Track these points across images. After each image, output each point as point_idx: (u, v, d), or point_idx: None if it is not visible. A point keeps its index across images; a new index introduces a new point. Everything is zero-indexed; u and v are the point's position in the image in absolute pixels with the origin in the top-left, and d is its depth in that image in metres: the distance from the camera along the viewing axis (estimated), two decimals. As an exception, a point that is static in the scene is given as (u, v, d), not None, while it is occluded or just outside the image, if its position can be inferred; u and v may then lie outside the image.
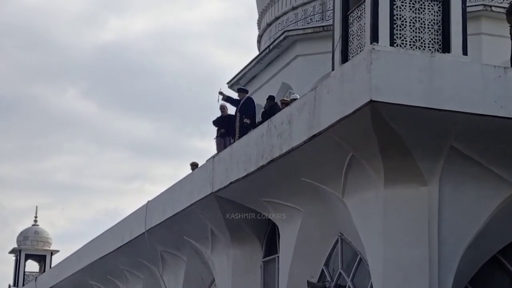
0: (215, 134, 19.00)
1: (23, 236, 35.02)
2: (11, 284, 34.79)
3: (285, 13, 24.40)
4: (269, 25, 25.89)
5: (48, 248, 35.49)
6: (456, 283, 11.79)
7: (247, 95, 19.02)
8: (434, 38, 11.15)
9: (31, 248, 35.03)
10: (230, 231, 15.09)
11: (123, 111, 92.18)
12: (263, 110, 17.78)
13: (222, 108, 19.11)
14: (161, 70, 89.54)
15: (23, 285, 34.75)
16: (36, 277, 32.94)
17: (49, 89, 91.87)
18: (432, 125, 10.49)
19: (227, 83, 26.59)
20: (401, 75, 10.16)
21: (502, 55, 14.78)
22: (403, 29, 10.98)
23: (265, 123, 14.38)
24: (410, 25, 11.05)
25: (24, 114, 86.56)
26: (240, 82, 25.92)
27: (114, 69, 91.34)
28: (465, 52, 11.35)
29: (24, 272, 34.81)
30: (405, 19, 11.00)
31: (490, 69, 11.14)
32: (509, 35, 13.28)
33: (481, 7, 18.68)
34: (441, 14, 11.29)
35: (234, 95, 20.50)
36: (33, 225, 36.02)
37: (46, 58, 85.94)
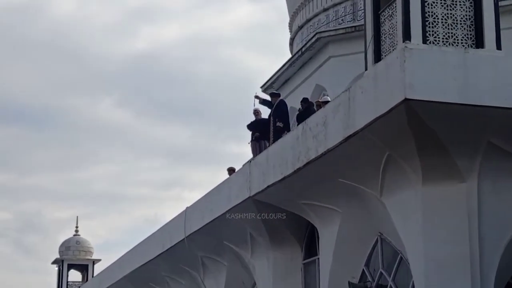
0: (250, 138, 19.08)
1: (65, 246, 35.81)
2: None
3: (316, 15, 24.54)
4: (300, 27, 26.14)
5: (90, 258, 36.18)
6: (499, 279, 11.76)
7: (280, 98, 19.10)
8: (467, 34, 11.28)
9: (73, 258, 35.81)
10: (269, 234, 15.30)
11: (158, 118, 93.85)
12: (298, 112, 17.89)
13: (256, 113, 19.33)
14: (194, 77, 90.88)
15: None
16: (79, 287, 34.25)
17: (84, 99, 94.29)
18: (468, 122, 10.57)
19: (261, 87, 26.78)
20: (435, 72, 10.35)
21: (537, 49, 15.28)
22: (435, 26, 11.14)
23: (300, 125, 14.59)
24: (442, 22, 11.23)
25: (61, 126, 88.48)
26: (274, 85, 26.18)
27: (147, 77, 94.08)
28: (499, 47, 11.44)
29: (67, 282, 35.69)
30: (437, 16, 11.21)
31: None
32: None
33: None
34: (473, 10, 11.42)
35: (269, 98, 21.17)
36: (74, 235, 36.69)
37: (80, 69, 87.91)
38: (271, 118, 17.57)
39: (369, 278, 14.17)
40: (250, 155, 18.47)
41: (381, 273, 13.68)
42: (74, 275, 37.07)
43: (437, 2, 11.39)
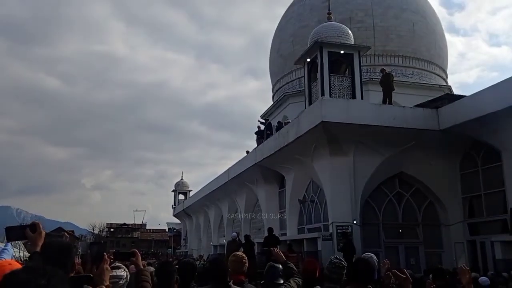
0: (255, 137, 23.05)
1: (176, 184, 49.16)
2: (172, 204, 48.72)
3: (284, 85, 28.63)
4: (277, 90, 29.76)
5: (188, 189, 48.56)
6: (362, 199, 15.22)
7: (268, 121, 23.23)
8: (348, 92, 15.44)
9: (181, 189, 48.86)
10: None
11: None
12: (276, 126, 20.55)
13: (258, 127, 22.61)
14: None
15: (177, 204, 46.81)
16: (183, 202, 44.28)
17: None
18: (350, 130, 14.26)
19: (260, 116, 30.49)
20: (334, 109, 14.28)
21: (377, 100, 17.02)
22: (335, 89, 15.31)
23: (277, 132, 18.31)
24: (338, 87, 15.42)
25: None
26: (266, 115, 29.90)
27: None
28: (362, 98, 15.45)
29: (178, 199, 48.16)
30: (335, 85, 15.40)
31: (373, 105, 15.27)
32: (381, 90, 16.93)
33: (368, 78, 22.06)
34: (351, 82, 15.52)
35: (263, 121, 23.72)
36: (180, 179, 50.28)
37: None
38: (265, 130, 21.45)
39: (306, 198, 17.79)
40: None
41: (312, 195, 17.33)
42: (181, 197, 48.41)
43: (335, 79, 15.36)
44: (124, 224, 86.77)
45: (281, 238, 16.33)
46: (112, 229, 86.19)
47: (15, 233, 2.72)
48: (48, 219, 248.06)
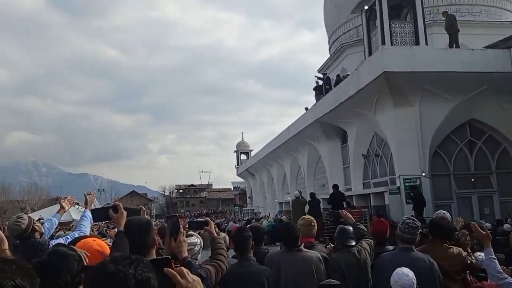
0: (314, 93, 21.96)
1: (238, 145, 50.61)
2: (235, 164, 50.53)
3: (341, 35, 28.10)
4: (333, 41, 29.69)
5: (248, 148, 49.68)
6: (431, 150, 14.88)
7: (326, 75, 22.34)
8: (411, 39, 14.48)
9: (242, 149, 50.09)
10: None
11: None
12: (335, 80, 19.87)
13: (316, 82, 21.97)
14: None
15: (240, 164, 48.64)
16: (245, 161, 46.15)
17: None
18: (414, 78, 13.62)
19: (317, 70, 30.24)
20: (397, 57, 13.77)
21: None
22: (396, 36, 14.47)
23: (336, 87, 17.76)
24: (400, 35, 14.53)
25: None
26: (323, 69, 29.56)
27: None
28: (426, 44, 14.46)
29: (240, 159, 49.62)
30: (396, 32, 14.53)
31: (439, 50, 14.55)
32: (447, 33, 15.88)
33: (431, 21, 20.65)
34: (413, 27, 14.55)
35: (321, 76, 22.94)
36: (241, 139, 51.09)
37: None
38: (323, 84, 20.88)
39: (371, 152, 17.63)
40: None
41: (376, 149, 17.09)
42: (243, 157, 49.64)
43: (396, 26, 14.49)
44: (192, 185, 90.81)
45: (346, 194, 16.17)
46: (181, 190, 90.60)
47: (99, 215, 2.90)
48: (122, 183, 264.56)
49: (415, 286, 3.13)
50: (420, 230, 4.04)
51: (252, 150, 48.16)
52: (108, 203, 54.90)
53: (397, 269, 3.23)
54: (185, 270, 1.63)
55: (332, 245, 4.73)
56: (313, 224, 4.35)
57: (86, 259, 2.41)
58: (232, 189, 78.21)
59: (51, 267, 1.93)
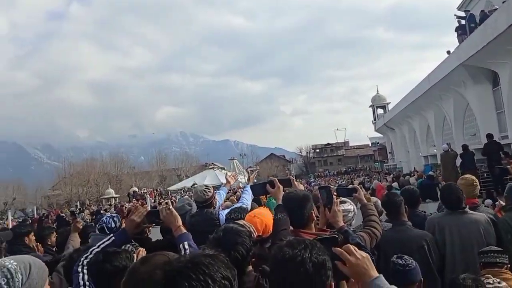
0: (456, 35, 19.87)
1: (373, 99, 48.09)
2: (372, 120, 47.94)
3: None
4: None
5: (385, 102, 47.15)
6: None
7: (469, 12, 19.87)
8: None
9: (378, 103, 47.70)
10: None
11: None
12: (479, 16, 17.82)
13: (458, 22, 20.10)
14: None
15: (377, 119, 46.39)
16: (383, 116, 44.22)
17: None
18: None
19: (457, 8, 27.18)
20: None
21: None
22: None
23: (482, 24, 16.07)
24: None
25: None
26: (464, 6, 26.17)
27: None
28: None
29: (377, 114, 47.27)
30: None
31: None
32: None
33: None
34: None
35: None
36: (376, 93, 48.82)
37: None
38: (466, 23, 19.01)
39: None
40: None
41: None
42: (380, 111, 47.25)
43: None
44: (328, 144, 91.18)
45: (502, 143, 14.74)
46: (317, 150, 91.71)
47: (257, 189, 3.14)
48: (260, 147, 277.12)
49: None
50: None
51: (389, 103, 45.90)
52: (250, 166, 57.97)
53: None
54: (352, 247, 1.73)
55: (502, 203, 4.41)
56: (475, 183, 4.18)
57: (254, 233, 2.74)
58: (370, 145, 76.33)
59: (227, 243, 2.21)
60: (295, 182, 3.20)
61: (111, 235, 2.63)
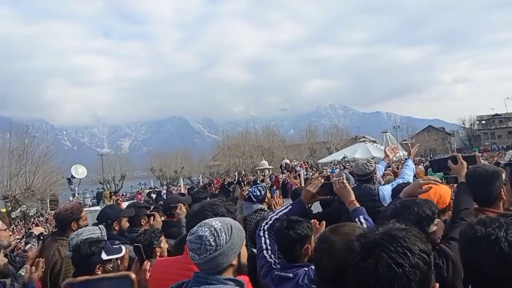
0: None
1: None
2: None
3: None
4: None
5: None
6: None
7: None
8: None
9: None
10: None
11: None
12: None
13: None
14: None
15: None
16: None
17: None
18: None
19: None
20: None
21: None
22: None
23: None
24: None
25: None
26: None
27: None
28: None
29: None
30: None
31: None
32: None
33: None
34: None
35: None
36: None
37: None
38: None
39: None
40: None
41: None
42: None
43: None
44: (496, 114, 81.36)
45: None
46: (483, 121, 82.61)
47: (438, 165, 2.99)
48: (416, 118, 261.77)
49: None
50: None
51: None
52: (405, 140, 55.33)
53: None
54: None
55: None
56: None
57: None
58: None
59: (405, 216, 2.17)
60: (481, 160, 2.96)
61: (288, 204, 2.83)
